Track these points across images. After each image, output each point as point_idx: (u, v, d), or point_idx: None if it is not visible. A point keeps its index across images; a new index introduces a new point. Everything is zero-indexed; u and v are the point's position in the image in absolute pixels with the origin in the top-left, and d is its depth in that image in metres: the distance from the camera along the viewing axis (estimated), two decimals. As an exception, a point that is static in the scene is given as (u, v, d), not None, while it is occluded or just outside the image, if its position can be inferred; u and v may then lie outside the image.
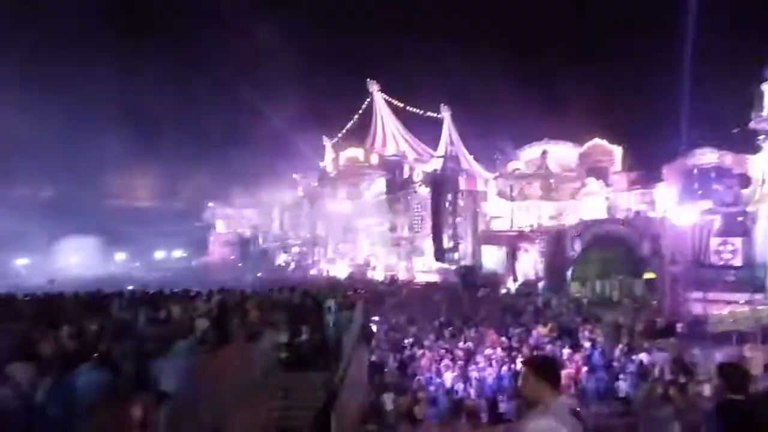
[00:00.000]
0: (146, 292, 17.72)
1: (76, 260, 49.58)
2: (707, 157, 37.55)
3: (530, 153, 50.18)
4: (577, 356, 15.25)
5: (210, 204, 65.01)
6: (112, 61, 52.26)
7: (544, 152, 48.55)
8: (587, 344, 16.55)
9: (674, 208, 38.51)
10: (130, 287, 23.22)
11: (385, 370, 15.72)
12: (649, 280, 33.32)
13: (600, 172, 46.95)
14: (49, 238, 47.79)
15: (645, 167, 44.06)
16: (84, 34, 55.73)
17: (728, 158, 36.70)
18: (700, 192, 37.03)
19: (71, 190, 55.45)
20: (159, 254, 60.22)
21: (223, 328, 11.92)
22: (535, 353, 15.54)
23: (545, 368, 3.37)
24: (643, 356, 14.52)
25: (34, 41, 51.27)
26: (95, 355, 7.45)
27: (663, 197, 40.79)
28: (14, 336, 8.81)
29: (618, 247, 35.56)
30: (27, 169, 53.39)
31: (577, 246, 37.81)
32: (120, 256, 56.17)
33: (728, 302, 26.75)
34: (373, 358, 16.26)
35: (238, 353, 10.12)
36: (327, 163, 61.82)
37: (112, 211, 56.90)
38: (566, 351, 15.70)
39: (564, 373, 13.72)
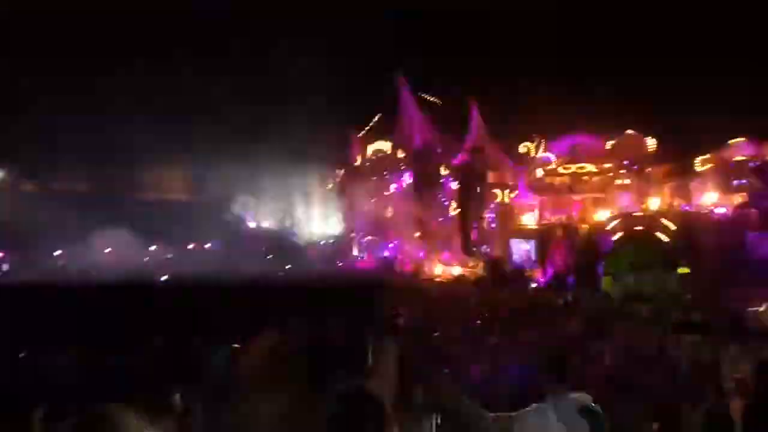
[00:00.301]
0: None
1: (111, 252, 50.78)
2: (744, 148, 36.57)
3: (560, 145, 49.42)
4: (607, 352, 15.06)
5: (240, 197, 65.80)
6: (143, 53, 53.12)
7: (575, 144, 47.75)
8: (618, 340, 16.32)
9: (710, 201, 37.67)
10: (164, 277, 23.78)
11: (413, 363, 15.78)
12: (683, 275, 32.68)
13: (633, 164, 46.05)
14: (85, 230, 49.04)
15: (680, 159, 43.08)
16: (115, 27, 56.80)
17: (766, 150, 35.68)
18: (736, 184, 36.12)
19: (105, 184, 56.81)
20: (190, 246, 61.24)
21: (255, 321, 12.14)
22: (563, 348, 15.42)
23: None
24: (674, 352, 14.26)
25: (66, 33, 52.42)
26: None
27: (698, 190, 39.90)
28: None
29: (651, 242, 34.92)
30: (63, 164, 54.84)
31: (609, 240, 37.23)
32: (153, 248, 57.28)
33: (765, 298, 26.06)
34: (401, 352, 16.34)
35: (268, 347, 10.29)
36: (354, 156, 61.99)
37: (145, 204, 58.12)
38: (595, 346, 15.50)
39: (592, 369, 13.57)
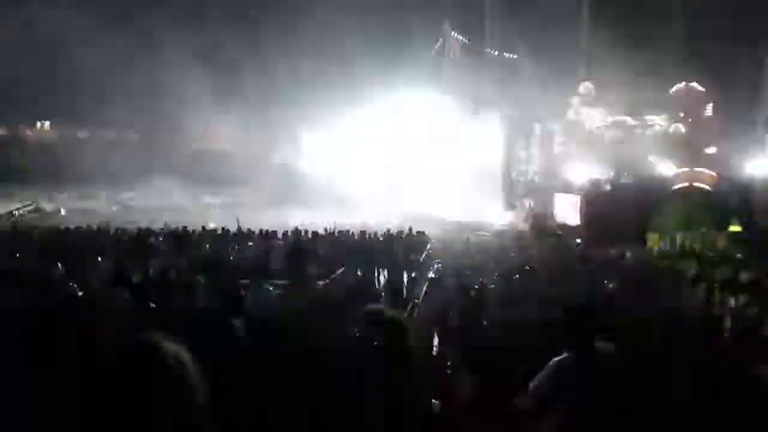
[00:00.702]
0: (227, 230, 18.70)
1: (164, 199, 52.54)
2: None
3: (614, 95, 47.43)
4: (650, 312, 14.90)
5: (288, 145, 66.35)
6: (188, 5, 53.22)
7: (629, 94, 45.73)
8: (659, 299, 16.10)
9: (769, 158, 35.94)
10: (212, 224, 24.49)
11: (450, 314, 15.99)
12: (735, 233, 31.60)
13: (689, 117, 44.03)
14: (138, 178, 50.78)
15: (739, 113, 40.93)
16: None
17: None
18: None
19: (154, 133, 58.24)
20: (239, 194, 62.65)
21: (298, 266, 12.51)
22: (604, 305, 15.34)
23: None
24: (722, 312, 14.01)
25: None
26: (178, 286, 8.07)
27: (757, 145, 38.04)
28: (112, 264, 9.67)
29: (702, 198, 33.73)
30: (113, 113, 56.30)
31: (659, 196, 36.12)
32: (203, 196, 58.94)
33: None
34: (442, 300, 16.56)
35: (312, 291, 10.64)
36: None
37: (193, 153, 59.47)
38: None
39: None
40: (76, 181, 50.65)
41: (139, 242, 14.42)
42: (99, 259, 11.53)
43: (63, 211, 48.20)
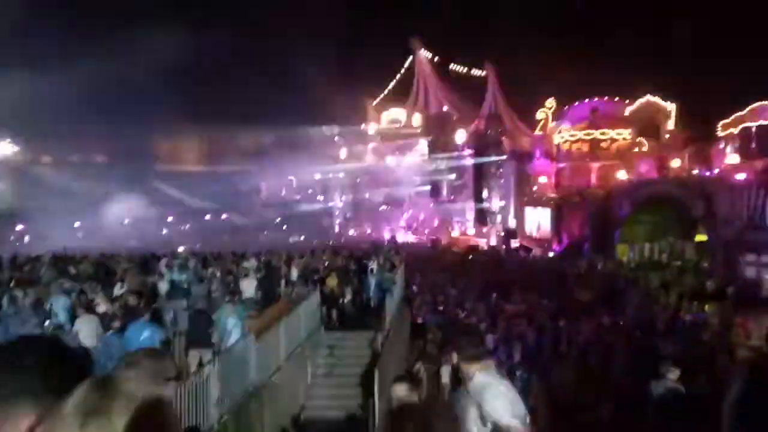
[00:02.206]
0: (195, 253, 18.35)
1: (127, 223, 51.45)
2: (766, 113, 35.66)
3: (579, 111, 48.48)
4: (622, 320, 15.09)
5: (254, 168, 66.00)
6: (156, 25, 52.82)
7: (594, 110, 46.78)
8: (631, 308, 16.33)
9: (730, 167, 36.95)
10: (181, 248, 24.07)
11: (427, 332, 15.92)
12: (700, 243, 32.32)
13: (652, 130, 45.16)
14: (101, 201, 49.66)
15: (700, 125, 42.13)
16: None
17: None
18: (757, 150, 35.32)
19: (122, 155, 57.21)
20: (206, 217, 61.85)
21: (270, 288, 12.30)
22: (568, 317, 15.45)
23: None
24: (690, 320, 14.24)
25: (79, 9, 52.31)
26: (148, 312, 7.83)
27: (718, 156, 39.14)
28: (75, 293, 9.35)
29: (669, 209, 34.45)
30: (80, 136, 55.18)
31: (626, 207, 36.79)
32: (170, 219, 57.96)
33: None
34: (416, 319, 16.48)
35: (284, 312, 10.44)
36: (369, 124, 61.56)
37: (161, 175, 58.53)
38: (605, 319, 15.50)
39: (608, 337, 13.61)
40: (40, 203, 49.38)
41: (103, 268, 14.04)
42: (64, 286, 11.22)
43: (26, 239, 46.88)
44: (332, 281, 12.97)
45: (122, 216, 51.04)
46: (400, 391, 3.49)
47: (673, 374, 6.81)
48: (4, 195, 49.53)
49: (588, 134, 46.26)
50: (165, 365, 1.80)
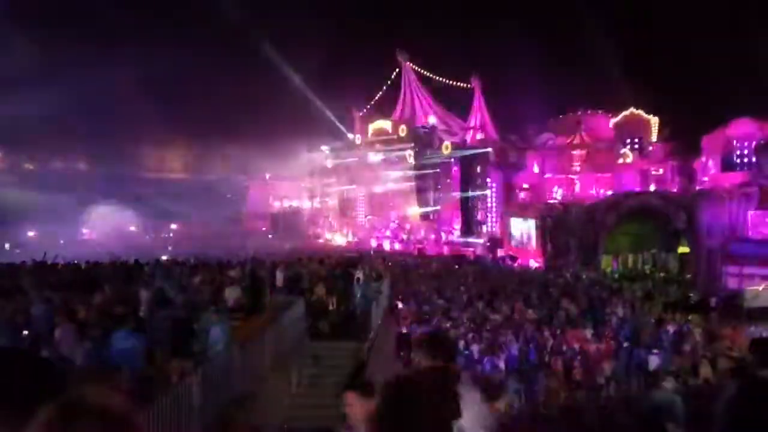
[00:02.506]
0: (180, 262, 18.15)
1: (111, 231, 50.95)
2: (747, 127, 36.29)
3: (563, 122, 49.07)
4: (606, 331, 15.15)
5: (242, 176, 65.81)
6: (143, 36, 52.65)
7: (578, 122, 47.38)
8: (615, 319, 16.41)
9: (712, 180, 37.51)
10: (164, 257, 23.80)
11: (411, 342, 15.88)
12: (683, 254, 32.68)
13: (636, 143, 45.82)
14: (84, 209, 49.11)
15: (682, 138, 42.84)
16: (113, 12, 56.35)
17: (769, 128, 35.42)
18: (739, 163, 35.93)
19: (106, 163, 56.72)
20: (191, 225, 61.45)
21: (256, 296, 12.18)
22: (554, 328, 15.50)
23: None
24: (674, 330, 14.33)
25: (64, 19, 52.07)
26: (132, 321, 7.71)
27: (701, 169, 39.70)
28: (56, 302, 9.19)
29: (652, 220, 34.82)
30: (63, 145, 54.75)
31: (610, 219, 37.13)
32: (153, 227, 57.51)
33: (765, 277, 26.09)
34: (401, 329, 16.42)
35: (269, 321, 10.34)
36: (355, 134, 61.71)
37: (147, 183, 58.10)
38: (590, 330, 15.57)
39: (593, 348, 13.67)
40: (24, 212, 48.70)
41: (84, 276, 13.81)
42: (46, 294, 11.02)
43: (7, 246, 46.17)
44: (320, 290, 12.83)
45: (105, 223, 50.54)
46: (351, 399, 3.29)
47: (669, 383, 6.83)
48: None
49: (572, 146, 46.80)
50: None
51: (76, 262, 18.30)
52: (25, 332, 7.98)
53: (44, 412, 1.30)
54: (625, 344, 13.71)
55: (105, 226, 50.71)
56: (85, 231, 51.79)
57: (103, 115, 49.29)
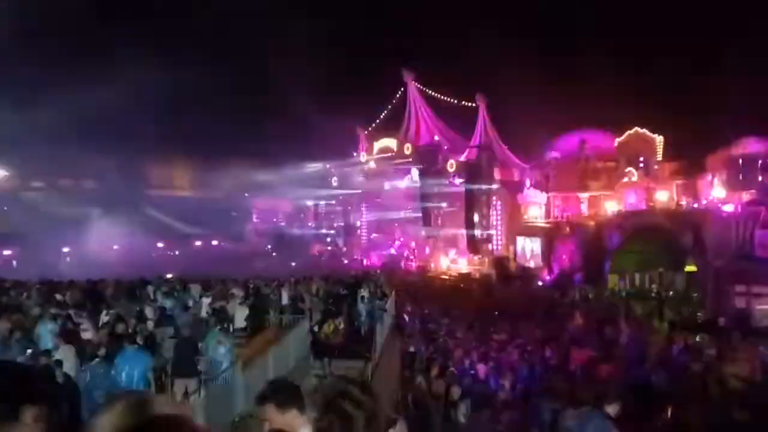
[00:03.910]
0: (184, 280, 18.14)
1: (116, 248, 51.07)
2: (753, 146, 36.26)
3: (568, 142, 49.11)
4: (613, 350, 15.00)
5: (246, 194, 66.01)
6: (151, 52, 53.30)
7: (582, 141, 47.43)
8: (622, 338, 16.24)
9: (718, 199, 37.39)
10: (169, 275, 23.80)
11: (417, 360, 15.76)
12: (690, 273, 32.44)
13: (640, 162, 45.78)
14: (91, 227, 49.30)
15: (688, 157, 42.76)
16: (119, 24, 57.25)
17: (776, 147, 35.40)
18: (745, 182, 35.84)
19: (113, 181, 57.04)
20: (197, 243, 61.56)
21: (259, 315, 12.16)
22: (559, 347, 15.36)
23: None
24: (682, 350, 14.17)
25: (65, 32, 52.89)
26: (137, 339, 7.69)
27: (706, 188, 39.61)
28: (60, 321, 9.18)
29: (658, 239, 34.67)
30: (71, 162, 55.15)
31: (616, 238, 37.02)
32: (159, 245, 57.62)
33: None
34: (408, 348, 16.32)
35: (273, 340, 10.31)
36: (360, 153, 61.99)
37: (152, 201, 58.33)
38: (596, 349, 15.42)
39: (602, 367, 13.50)
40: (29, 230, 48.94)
41: (90, 294, 13.82)
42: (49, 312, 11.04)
43: (15, 264, 46.31)
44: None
45: (111, 241, 50.65)
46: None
47: (612, 409, 6.50)
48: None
49: (576, 165, 46.85)
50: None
51: (82, 279, 18.30)
52: (29, 351, 7.97)
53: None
54: (632, 364, 13.55)
55: (111, 244, 50.85)
56: (91, 248, 51.91)
57: (108, 133, 49.66)
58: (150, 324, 10.12)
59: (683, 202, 40.65)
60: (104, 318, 9.66)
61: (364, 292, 15.08)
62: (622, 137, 46.95)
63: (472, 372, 14.57)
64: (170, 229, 57.48)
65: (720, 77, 40.26)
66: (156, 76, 45.73)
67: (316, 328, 11.77)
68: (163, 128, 48.35)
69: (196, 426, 1.38)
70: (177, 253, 57.34)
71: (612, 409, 4.82)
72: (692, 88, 43.10)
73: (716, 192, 38.37)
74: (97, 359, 6.90)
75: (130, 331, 8.64)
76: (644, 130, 46.65)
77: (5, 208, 52.63)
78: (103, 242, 50.35)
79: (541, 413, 9.23)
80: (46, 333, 8.54)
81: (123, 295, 13.32)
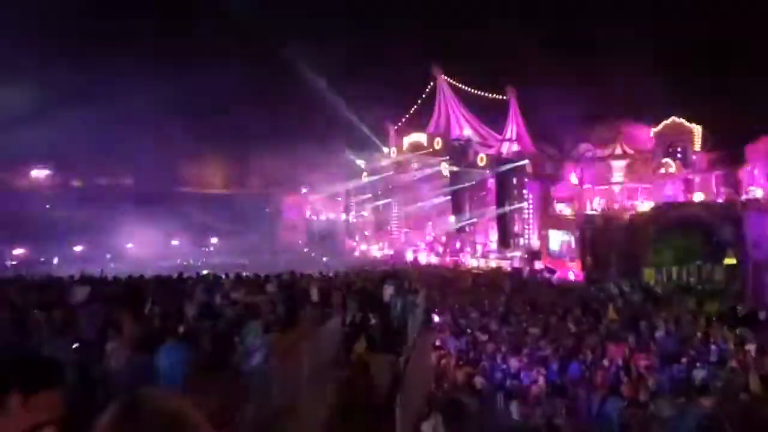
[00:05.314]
0: (219, 276, 18.55)
1: (155, 247, 52.33)
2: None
3: (602, 133, 48.13)
4: (650, 344, 14.75)
5: (278, 190, 66.81)
6: (182, 54, 54.30)
7: (618, 132, 46.40)
8: (660, 333, 15.96)
9: (758, 190, 36.29)
10: (206, 271, 24.35)
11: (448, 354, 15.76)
12: (729, 266, 31.61)
13: (678, 153, 44.64)
14: (128, 224, 50.64)
15: (727, 147, 41.52)
16: (146, 24, 58.44)
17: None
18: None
19: (149, 179, 58.44)
20: (231, 239, 62.64)
21: (292, 310, 12.37)
22: (595, 341, 15.19)
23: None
24: (721, 344, 13.87)
25: (102, 33, 54.21)
26: (178, 333, 7.94)
27: (746, 179, 38.45)
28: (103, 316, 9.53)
29: (697, 232, 33.86)
30: (108, 160, 56.68)
31: (652, 230, 36.25)
32: (194, 241, 58.87)
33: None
34: (438, 342, 16.34)
35: (306, 334, 10.48)
36: (391, 148, 62.03)
37: (187, 198, 59.58)
38: (633, 343, 15.18)
39: (636, 362, 13.32)
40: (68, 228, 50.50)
41: (131, 290, 14.27)
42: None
43: (55, 260, 47.94)
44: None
45: (148, 238, 51.96)
46: None
47: (708, 401, 6.61)
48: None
49: (612, 157, 45.94)
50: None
51: (122, 275, 18.88)
52: (75, 344, 8.29)
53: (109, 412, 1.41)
54: (670, 358, 13.33)
55: (148, 240, 52.16)
56: (129, 245, 53.32)
57: (144, 132, 50.83)
58: (189, 318, 10.42)
59: (723, 194, 39.52)
60: (145, 313, 9.98)
61: (395, 287, 15.19)
62: (659, 127, 45.79)
63: (504, 367, 14.52)
64: (205, 225, 58.62)
65: (760, 63, 38.99)
66: (192, 73, 46.58)
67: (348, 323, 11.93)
68: (196, 126, 49.23)
69: (195, 419, 1.43)
70: (212, 249, 58.43)
71: (707, 402, 5.06)
72: (731, 76, 41.84)
73: (757, 183, 37.22)
74: (138, 353, 7.15)
75: (169, 325, 8.91)
76: (681, 120, 45.40)
77: (48, 206, 54.47)
78: (142, 239, 51.65)
79: (608, 412, 9.20)
80: (90, 328, 8.87)
81: (162, 291, 13.71)
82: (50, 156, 55.89)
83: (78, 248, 51.71)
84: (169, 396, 1.53)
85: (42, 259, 48.01)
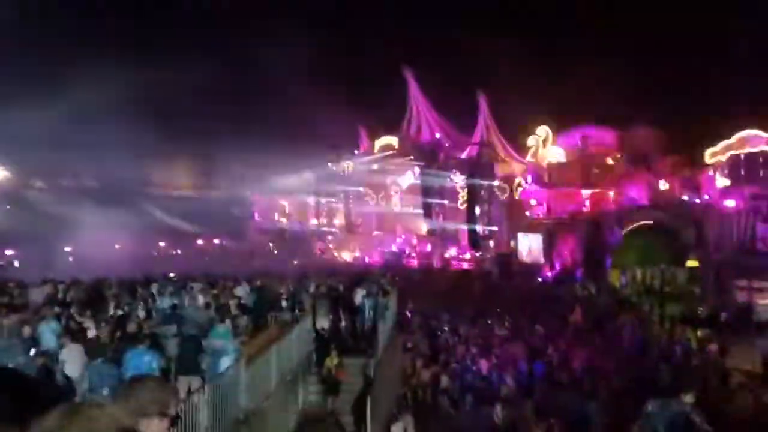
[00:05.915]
0: (186, 278, 18.18)
1: (118, 248, 51.11)
2: (755, 140, 36.22)
3: (569, 137, 49.04)
4: (615, 345, 15.05)
5: (247, 193, 66.00)
6: (148, 52, 53.30)
7: (584, 137, 47.36)
8: (625, 333, 16.29)
9: (719, 194, 37.38)
10: (172, 274, 23.84)
11: (418, 356, 15.78)
12: (692, 269, 32.46)
13: (642, 157, 45.67)
14: (94, 226, 49.34)
15: (689, 152, 42.67)
16: (117, 25, 57.28)
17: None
18: (746, 177, 35.82)
19: (113, 180, 57.06)
20: (198, 242, 61.61)
21: (261, 312, 12.21)
22: (562, 342, 15.43)
23: None
24: (684, 344, 14.22)
25: (69, 35, 52.92)
26: (142, 338, 7.73)
27: (708, 183, 39.58)
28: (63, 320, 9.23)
29: (660, 235, 34.69)
30: (71, 161, 55.20)
31: (617, 233, 37.01)
32: (161, 243, 57.70)
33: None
34: (409, 344, 16.35)
35: (275, 338, 10.35)
36: (362, 150, 61.90)
37: (153, 200, 58.36)
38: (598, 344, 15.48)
39: (601, 362, 13.56)
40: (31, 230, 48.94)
41: (93, 293, 13.86)
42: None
43: (16, 263, 46.38)
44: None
45: (113, 241, 50.72)
46: None
47: (689, 398, 6.57)
48: (-5, 219, 49.25)
49: (578, 161, 46.81)
50: (165, 399, 1.71)
51: (84, 279, 18.34)
52: (33, 351, 7.99)
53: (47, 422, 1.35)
54: (635, 359, 13.61)
55: (112, 243, 50.91)
56: (92, 248, 51.97)
57: (110, 130, 49.64)
58: (154, 322, 10.17)
59: (685, 197, 40.59)
60: (107, 316, 9.71)
61: (366, 290, 15.12)
62: (623, 132, 46.82)
63: (474, 368, 14.61)
64: (172, 228, 57.52)
65: (721, 70, 40.21)
66: (158, 73, 45.69)
67: (317, 326, 11.82)
68: (163, 126, 48.27)
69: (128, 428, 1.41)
70: (179, 251, 57.40)
71: (689, 398, 5.37)
72: (693, 83, 43.04)
73: (718, 187, 38.34)
74: (101, 359, 6.93)
75: (135, 329, 8.69)
76: (645, 125, 46.49)
77: (7, 207, 52.77)
78: (105, 241, 50.39)
79: (589, 415, 9.33)
80: (49, 332, 8.57)
81: (127, 294, 13.37)
82: (9, 156, 54.13)
83: (38, 251, 50.23)
84: (106, 405, 1.51)
85: (1, 262, 46.44)
